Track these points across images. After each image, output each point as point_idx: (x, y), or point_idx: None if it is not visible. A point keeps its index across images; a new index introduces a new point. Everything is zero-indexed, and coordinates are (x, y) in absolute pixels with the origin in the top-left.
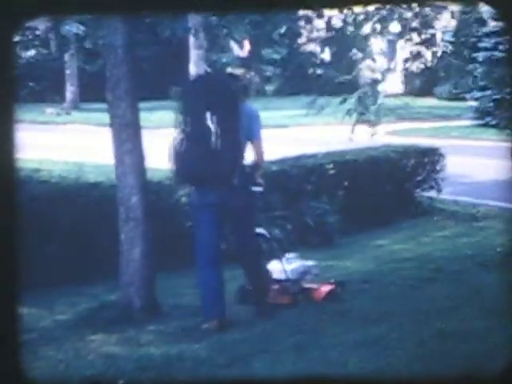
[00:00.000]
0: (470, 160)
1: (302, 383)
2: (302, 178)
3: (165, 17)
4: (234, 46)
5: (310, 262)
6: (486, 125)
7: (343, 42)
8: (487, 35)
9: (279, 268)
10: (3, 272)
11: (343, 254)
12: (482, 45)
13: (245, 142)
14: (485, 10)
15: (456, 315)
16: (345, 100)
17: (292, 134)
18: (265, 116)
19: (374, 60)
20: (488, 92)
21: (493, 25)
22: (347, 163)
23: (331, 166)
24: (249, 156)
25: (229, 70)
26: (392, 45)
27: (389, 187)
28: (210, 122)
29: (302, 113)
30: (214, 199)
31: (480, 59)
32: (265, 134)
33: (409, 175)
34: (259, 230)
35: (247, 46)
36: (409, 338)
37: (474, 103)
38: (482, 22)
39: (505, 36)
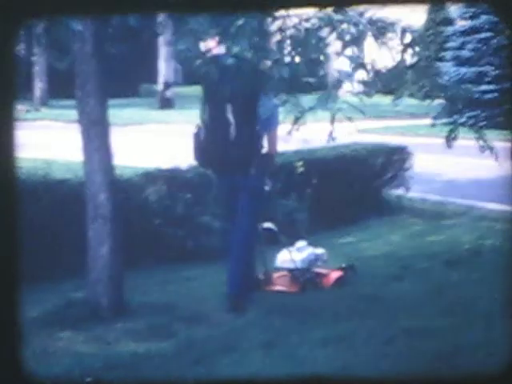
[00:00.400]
0: (438, 158)
1: (301, 383)
2: (272, 175)
3: (164, 17)
4: (201, 43)
5: (319, 250)
6: (453, 123)
7: (306, 42)
8: (454, 35)
9: (288, 257)
10: None
11: None
12: (449, 44)
13: (262, 134)
14: (452, 9)
15: (423, 313)
16: (285, 102)
17: None
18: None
19: (339, 60)
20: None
21: (460, 24)
22: (316, 161)
23: (300, 163)
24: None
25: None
26: (359, 44)
27: (357, 185)
28: (230, 113)
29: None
30: (232, 185)
31: (447, 58)
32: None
33: (377, 173)
34: (267, 225)
35: (214, 43)
36: (376, 335)
37: (441, 102)
38: (449, 22)
39: (492, 33)
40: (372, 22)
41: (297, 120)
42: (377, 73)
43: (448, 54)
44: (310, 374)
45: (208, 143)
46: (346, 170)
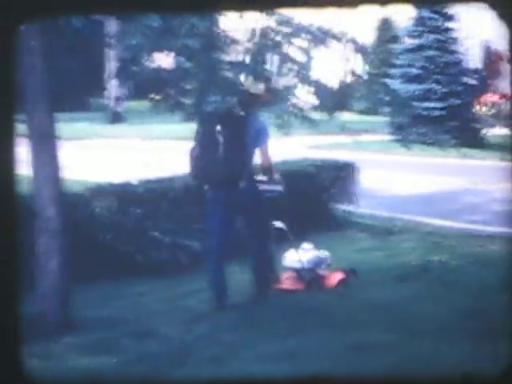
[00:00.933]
0: (386, 174)
1: (301, 383)
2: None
3: (163, 16)
4: (154, 57)
5: (324, 253)
6: (402, 140)
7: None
8: (403, 52)
9: (295, 257)
10: None
11: None
12: (397, 62)
13: (253, 150)
14: (400, 28)
15: (371, 328)
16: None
17: None
18: (185, 128)
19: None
20: (404, 108)
21: (409, 42)
22: None
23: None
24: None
25: (243, 87)
26: (309, 58)
27: (306, 201)
28: (220, 134)
29: None
30: (223, 197)
31: (396, 75)
32: (185, 146)
33: (326, 189)
34: (277, 224)
35: (167, 58)
36: (324, 350)
37: (391, 119)
38: (397, 40)
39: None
40: (322, 32)
41: None
42: (326, 89)
43: (396, 72)
44: (309, 373)
45: (200, 160)
46: (295, 186)
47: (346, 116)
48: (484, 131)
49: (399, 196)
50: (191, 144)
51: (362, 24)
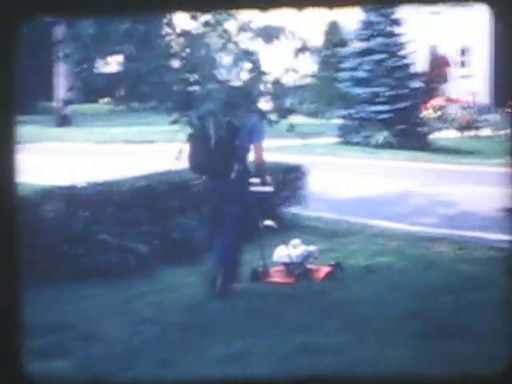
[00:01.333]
0: (333, 176)
1: (302, 383)
2: (169, 193)
3: (163, 16)
4: (102, 61)
5: (311, 247)
6: (349, 142)
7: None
8: (350, 56)
9: (285, 253)
10: None
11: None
12: (345, 65)
13: (247, 147)
14: (348, 31)
15: (319, 329)
16: (176, 121)
17: (159, 149)
18: (132, 132)
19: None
20: (352, 110)
21: (356, 45)
22: None
23: (197, 182)
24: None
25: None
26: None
27: (255, 203)
28: (212, 129)
29: (170, 129)
30: (215, 186)
31: (344, 78)
32: (132, 149)
33: (274, 191)
34: (267, 222)
35: (115, 61)
36: (272, 351)
37: (338, 121)
38: (345, 43)
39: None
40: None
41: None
42: (276, 93)
43: (344, 75)
44: (309, 374)
45: (196, 153)
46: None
47: (294, 119)
48: (430, 134)
49: (346, 198)
50: (188, 138)
51: (311, 27)
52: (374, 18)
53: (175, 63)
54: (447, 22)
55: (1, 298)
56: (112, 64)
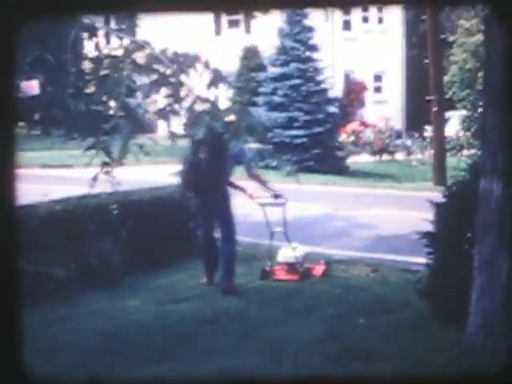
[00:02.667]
0: (250, 200)
1: (302, 383)
2: (86, 217)
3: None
4: (22, 84)
5: (307, 250)
6: (266, 166)
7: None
8: (266, 81)
9: (289, 254)
10: None
11: (127, 294)
12: (261, 90)
13: (230, 169)
14: (265, 56)
15: (236, 353)
16: (92, 147)
17: (76, 174)
18: (49, 155)
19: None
20: (268, 135)
21: (272, 71)
22: (131, 203)
23: (115, 206)
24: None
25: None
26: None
27: (172, 227)
28: (202, 154)
29: (87, 153)
30: (203, 202)
31: (260, 103)
32: (49, 174)
33: (192, 215)
34: (277, 229)
35: (33, 85)
36: (192, 376)
37: (255, 145)
38: (262, 68)
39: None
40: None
41: (105, 164)
42: (189, 121)
43: (260, 99)
44: (310, 374)
45: (188, 173)
46: (161, 212)
47: None
48: (346, 158)
49: (263, 222)
50: (184, 159)
51: (228, 52)
52: (290, 43)
53: (90, 89)
54: (362, 48)
55: (0, 299)
56: (29, 86)
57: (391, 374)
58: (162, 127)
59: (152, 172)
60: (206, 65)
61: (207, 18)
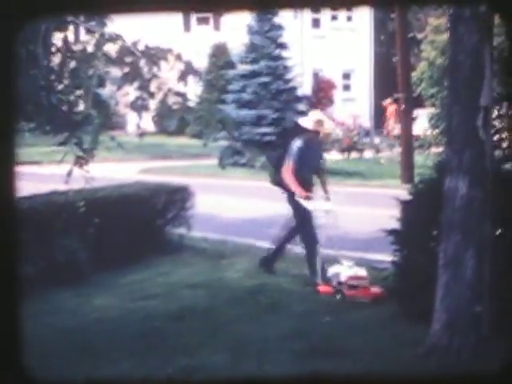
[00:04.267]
0: (219, 198)
1: (301, 383)
2: (53, 215)
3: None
4: None
5: (362, 270)
6: (235, 164)
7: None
8: (235, 78)
9: (341, 271)
10: None
11: (94, 291)
12: (230, 87)
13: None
14: (234, 53)
15: (200, 350)
16: (64, 143)
17: (45, 171)
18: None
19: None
20: (237, 132)
21: (242, 68)
22: (98, 200)
23: (82, 203)
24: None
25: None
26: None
27: (140, 224)
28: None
29: (55, 149)
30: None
31: (229, 101)
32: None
33: (160, 213)
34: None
35: None
36: (155, 374)
37: (224, 143)
38: (230, 65)
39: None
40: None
41: (78, 159)
42: (161, 114)
43: (229, 97)
44: (309, 374)
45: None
46: (129, 210)
47: (179, 140)
48: None
49: (232, 219)
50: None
51: (197, 49)
52: (259, 41)
53: (61, 84)
54: (331, 46)
55: (0, 299)
56: None
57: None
58: (131, 124)
59: (119, 169)
60: (178, 57)
61: (176, 15)
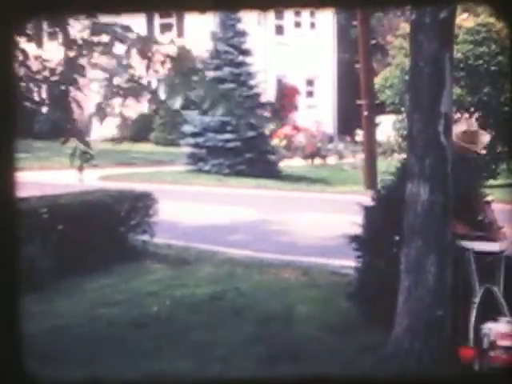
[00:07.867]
0: (182, 204)
1: (302, 383)
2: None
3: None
4: None
5: None
6: (198, 170)
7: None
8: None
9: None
10: None
11: (56, 298)
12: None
13: None
14: (198, 60)
15: (163, 356)
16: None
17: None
18: None
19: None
20: (201, 139)
21: (205, 74)
22: (61, 207)
23: (45, 210)
24: None
25: None
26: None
27: (103, 231)
28: None
29: (23, 156)
30: None
31: (192, 107)
32: None
33: (123, 219)
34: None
35: None
36: (120, 378)
37: (187, 149)
38: (194, 71)
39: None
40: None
41: (84, 155)
42: (125, 120)
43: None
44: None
45: None
46: (91, 217)
47: (142, 147)
48: (279, 162)
49: (195, 226)
50: None
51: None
52: (223, 47)
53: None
54: (295, 53)
55: (0, 299)
56: None
57: (391, 373)
58: (94, 131)
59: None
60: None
61: (139, 21)
